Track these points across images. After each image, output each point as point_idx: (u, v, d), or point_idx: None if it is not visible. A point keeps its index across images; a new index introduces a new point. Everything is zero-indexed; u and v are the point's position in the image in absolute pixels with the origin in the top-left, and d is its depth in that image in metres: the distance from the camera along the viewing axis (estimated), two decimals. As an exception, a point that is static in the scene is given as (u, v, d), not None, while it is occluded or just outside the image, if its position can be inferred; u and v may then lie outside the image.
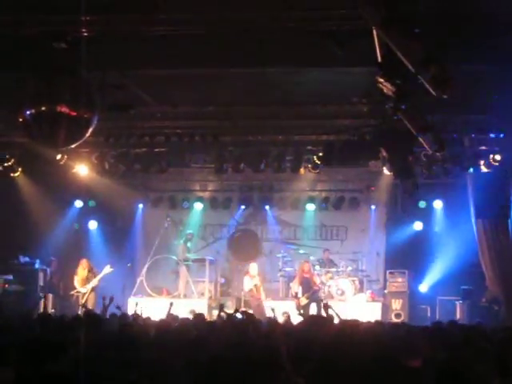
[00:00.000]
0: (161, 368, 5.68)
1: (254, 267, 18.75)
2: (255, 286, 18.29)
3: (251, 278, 18.46)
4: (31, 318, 11.41)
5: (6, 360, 5.80)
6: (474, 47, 10.71)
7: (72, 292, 18.25)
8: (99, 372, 5.43)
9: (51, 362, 5.39)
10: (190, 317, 12.48)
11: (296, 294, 17.78)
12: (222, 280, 20.89)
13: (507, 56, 11.11)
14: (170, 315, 12.26)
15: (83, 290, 17.97)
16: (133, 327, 9.51)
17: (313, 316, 13.26)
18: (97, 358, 5.65)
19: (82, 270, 18.32)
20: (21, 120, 11.17)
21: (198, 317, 11.24)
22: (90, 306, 17.10)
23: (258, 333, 8.83)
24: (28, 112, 10.94)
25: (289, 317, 13.83)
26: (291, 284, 19.05)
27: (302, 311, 17.16)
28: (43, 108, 10.78)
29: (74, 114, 10.75)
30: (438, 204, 19.94)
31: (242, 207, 21.41)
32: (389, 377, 4.91)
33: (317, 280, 18.19)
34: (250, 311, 15.80)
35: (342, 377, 5.19)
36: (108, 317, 11.91)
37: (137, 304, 14.63)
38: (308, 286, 17.87)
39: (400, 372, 4.94)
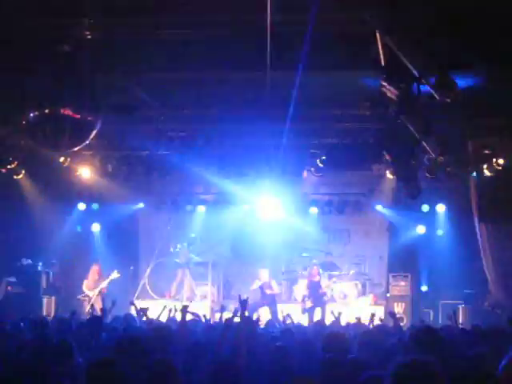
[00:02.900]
0: (165, 370, 5.67)
1: (263, 272, 18.78)
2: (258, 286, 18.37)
3: (258, 280, 18.56)
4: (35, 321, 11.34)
5: None
6: (478, 52, 10.70)
7: (79, 296, 18.33)
8: (102, 374, 5.43)
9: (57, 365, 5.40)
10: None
11: (303, 296, 17.84)
12: (225, 283, 20.88)
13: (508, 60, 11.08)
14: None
15: (91, 294, 18.11)
16: (136, 330, 9.49)
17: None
18: (101, 361, 5.64)
19: (92, 275, 18.48)
20: (24, 122, 11.19)
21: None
22: (97, 309, 17.14)
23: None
24: (31, 114, 10.95)
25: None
26: (294, 287, 19.06)
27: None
28: (47, 111, 10.79)
29: (78, 116, 10.77)
30: (441, 208, 19.92)
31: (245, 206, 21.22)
32: None
33: (324, 284, 18.32)
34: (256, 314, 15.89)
35: None
36: (111, 320, 11.82)
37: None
38: (315, 290, 17.92)
39: None
